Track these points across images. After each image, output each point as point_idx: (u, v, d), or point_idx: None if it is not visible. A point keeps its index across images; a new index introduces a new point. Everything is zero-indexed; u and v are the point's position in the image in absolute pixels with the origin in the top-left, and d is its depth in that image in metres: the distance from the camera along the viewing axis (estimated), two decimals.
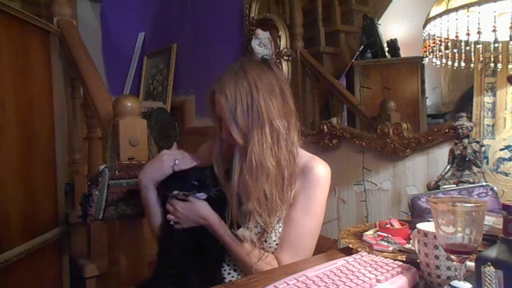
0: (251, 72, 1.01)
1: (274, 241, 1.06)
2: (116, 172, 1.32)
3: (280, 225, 1.06)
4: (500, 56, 1.29)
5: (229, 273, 1.10)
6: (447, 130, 1.57)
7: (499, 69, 1.33)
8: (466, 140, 1.26)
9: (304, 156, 1.11)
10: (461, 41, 1.16)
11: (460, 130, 1.27)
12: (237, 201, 1.04)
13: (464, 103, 1.63)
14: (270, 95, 1.01)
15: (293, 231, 1.05)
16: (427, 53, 1.25)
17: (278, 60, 2.31)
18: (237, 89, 0.99)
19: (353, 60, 2.23)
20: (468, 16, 1.05)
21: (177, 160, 1.09)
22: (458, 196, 1.12)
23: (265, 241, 1.06)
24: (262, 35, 2.38)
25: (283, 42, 2.34)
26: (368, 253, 0.91)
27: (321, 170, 1.08)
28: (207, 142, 1.23)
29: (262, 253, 1.05)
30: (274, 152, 1.01)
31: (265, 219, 1.02)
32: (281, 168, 1.03)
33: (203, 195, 1.06)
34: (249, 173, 1.00)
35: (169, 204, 1.09)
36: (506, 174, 1.34)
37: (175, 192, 1.07)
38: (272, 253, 1.07)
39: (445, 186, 1.24)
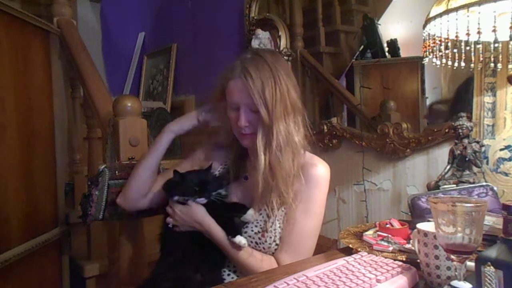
0: (267, 56, 1.05)
1: (274, 241, 1.06)
2: (116, 172, 1.32)
3: (280, 225, 1.06)
4: (500, 56, 1.29)
5: (228, 275, 1.10)
6: (447, 130, 1.57)
7: (499, 69, 1.33)
8: (466, 140, 1.26)
9: (305, 154, 1.11)
10: (461, 41, 1.16)
11: (460, 130, 1.27)
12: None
13: (459, 98, 1.64)
14: (287, 76, 1.05)
15: (293, 232, 1.05)
16: (427, 53, 1.25)
17: None
18: (260, 72, 1.02)
19: (353, 60, 2.23)
20: (468, 16, 1.05)
21: (203, 112, 1.17)
22: (458, 196, 1.12)
23: (265, 241, 1.06)
24: (262, 35, 2.38)
25: (283, 42, 2.33)
26: (368, 253, 0.91)
27: (320, 169, 1.08)
28: (204, 148, 1.25)
29: (262, 255, 1.05)
30: (297, 128, 1.05)
31: (290, 196, 1.03)
32: (303, 146, 1.06)
33: (203, 200, 1.07)
34: (278, 150, 1.02)
35: (169, 206, 1.10)
36: (506, 174, 1.34)
37: (176, 197, 1.09)
38: (272, 254, 1.07)
39: (445, 186, 1.24)
